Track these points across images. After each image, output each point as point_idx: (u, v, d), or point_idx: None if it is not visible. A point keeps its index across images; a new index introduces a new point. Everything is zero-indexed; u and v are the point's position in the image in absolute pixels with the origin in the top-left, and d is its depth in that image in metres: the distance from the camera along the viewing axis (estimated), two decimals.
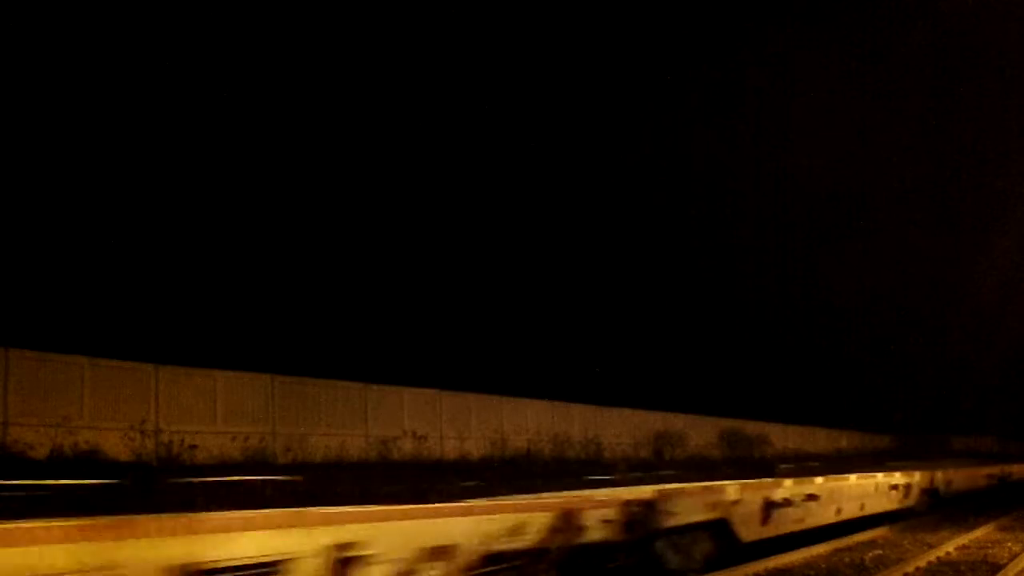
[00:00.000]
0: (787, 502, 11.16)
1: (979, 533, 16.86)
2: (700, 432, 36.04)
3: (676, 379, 38.23)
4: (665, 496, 8.71)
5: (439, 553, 5.56)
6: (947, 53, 53.46)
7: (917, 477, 18.54)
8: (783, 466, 19.51)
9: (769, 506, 10.68)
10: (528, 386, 29.00)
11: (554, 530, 6.90)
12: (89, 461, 15.76)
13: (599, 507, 7.80)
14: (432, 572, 5.45)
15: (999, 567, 12.41)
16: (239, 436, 19.33)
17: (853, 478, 14.74)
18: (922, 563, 12.76)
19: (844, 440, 49.41)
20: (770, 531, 10.92)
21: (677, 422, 35.12)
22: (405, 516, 5.55)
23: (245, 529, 4.75)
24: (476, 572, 5.79)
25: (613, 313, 39.86)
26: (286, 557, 4.88)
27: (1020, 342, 58.30)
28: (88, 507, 5.90)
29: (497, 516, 6.24)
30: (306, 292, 27.85)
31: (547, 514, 6.92)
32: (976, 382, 63.10)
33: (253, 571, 4.75)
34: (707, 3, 48.04)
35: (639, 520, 8.09)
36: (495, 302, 33.60)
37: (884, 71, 53.88)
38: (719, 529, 9.88)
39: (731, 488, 10.20)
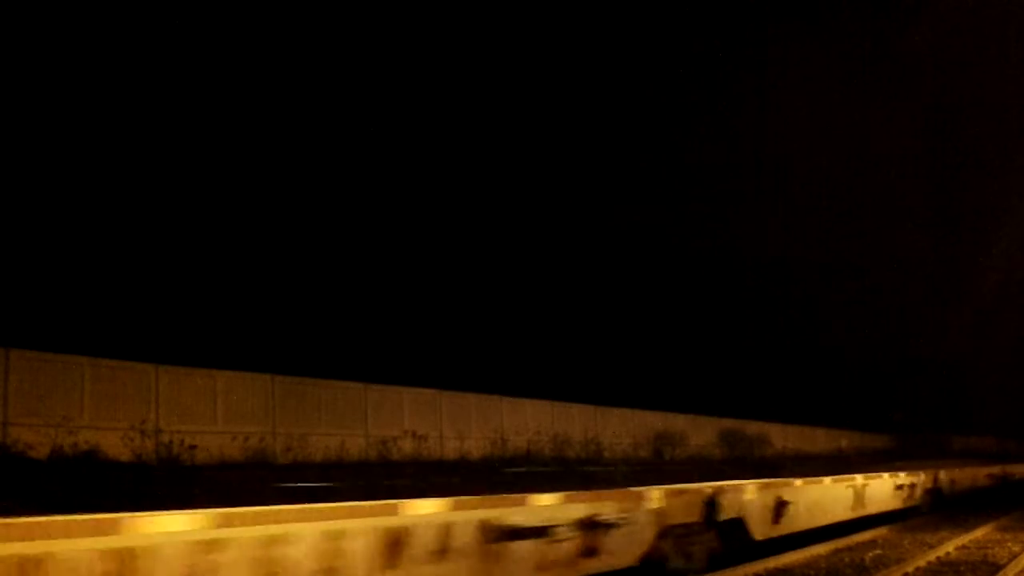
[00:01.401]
0: None
1: (979, 533, 16.86)
2: (700, 432, 36.06)
3: (676, 379, 38.23)
4: None
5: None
6: (947, 53, 53.40)
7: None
8: None
9: None
10: (528, 386, 29.01)
11: None
12: (89, 461, 15.76)
13: None
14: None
15: (999, 567, 12.42)
16: (239, 436, 19.34)
17: None
18: (922, 563, 12.77)
19: (844, 440, 49.38)
20: None
21: (677, 422, 35.13)
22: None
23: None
24: None
25: (613, 313, 39.87)
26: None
27: (1020, 342, 58.38)
28: None
29: None
30: (306, 292, 27.85)
31: None
32: (976, 382, 63.15)
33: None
34: (706, 3, 48.01)
35: None
36: (495, 302, 33.61)
37: (884, 71, 53.82)
38: None
39: None
